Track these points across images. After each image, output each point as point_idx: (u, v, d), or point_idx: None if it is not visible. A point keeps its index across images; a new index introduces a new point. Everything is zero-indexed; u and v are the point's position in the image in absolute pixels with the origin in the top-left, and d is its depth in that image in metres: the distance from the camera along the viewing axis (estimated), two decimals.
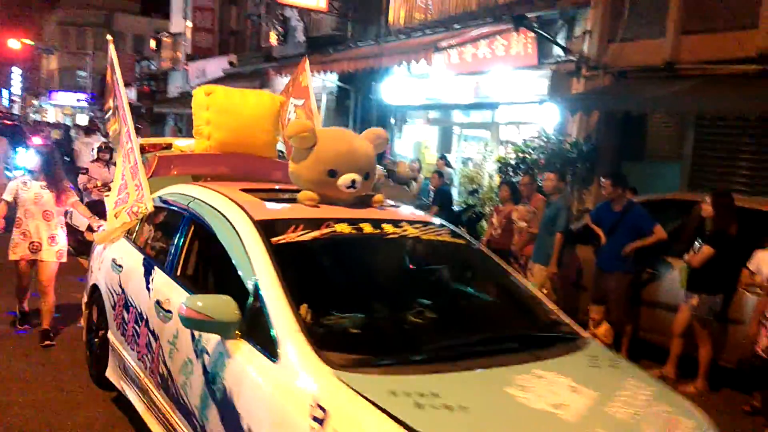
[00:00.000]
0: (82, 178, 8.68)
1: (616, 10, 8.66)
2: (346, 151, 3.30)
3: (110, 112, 4.45)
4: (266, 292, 2.54)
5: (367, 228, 3.09)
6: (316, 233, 2.93)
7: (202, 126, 4.46)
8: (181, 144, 4.91)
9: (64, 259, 5.45)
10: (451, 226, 3.62)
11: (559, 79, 9.16)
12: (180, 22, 24.60)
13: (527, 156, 8.83)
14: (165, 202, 3.85)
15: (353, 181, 3.24)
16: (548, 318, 3.06)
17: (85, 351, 4.69)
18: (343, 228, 3.02)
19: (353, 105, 14.34)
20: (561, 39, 9.44)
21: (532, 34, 9.46)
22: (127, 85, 31.89)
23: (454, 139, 12.48)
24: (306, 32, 15.97)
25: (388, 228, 3.15)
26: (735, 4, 7.42)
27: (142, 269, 3.68)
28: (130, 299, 3.71)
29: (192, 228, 3.44)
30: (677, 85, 7.38)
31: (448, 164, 10.39)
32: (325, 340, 2.40)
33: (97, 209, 6.11)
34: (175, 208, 3.71)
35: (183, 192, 3.75)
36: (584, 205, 8.46)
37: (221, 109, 4.46)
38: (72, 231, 7.28)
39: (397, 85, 12.55)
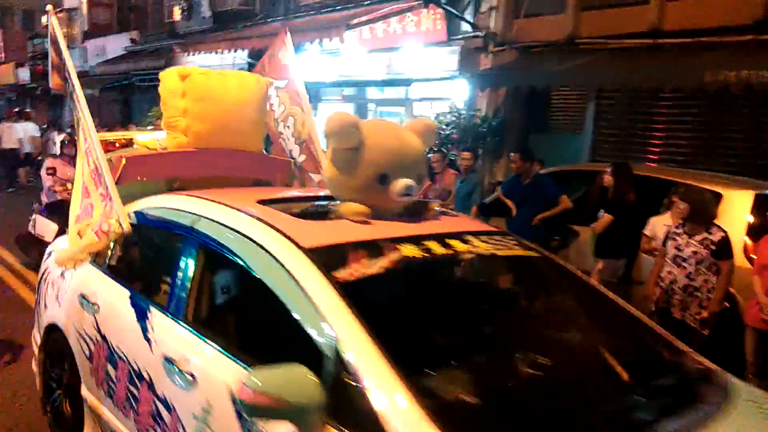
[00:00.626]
0: (47, 179, 7.36)
1: None
2: (398, 150, 2.65)
3: (69, 97, 3.60)
4: (353, 354, 1.87)
5: (436, 248, 2.42)
6: (384, 261, 2.24)
7: (177, 118, 3.78)
8: (143, 139, 4.16)
9: None
10: (513, 235, 3.00)
11: (468, 55, 9.36)
12: None
13: (441, 132, 9.01)
14: (149, 219, 3.05)
15: (409, 188, 2.58)
16: (674, 351, 2.46)
17: (45, 412, 3.59)
18: (412, 251, 2.35)
19: None
20: (469, 15, 9.63)
21: (441, 11, 9.59)
22: (19, 65, 29.67)
23: (369, 116, 12.53)
24: (212, 7, 15.43)
25: (456, 245, 2.49)
26: None
27: (131, 310, 2.80)
28: (118, 350, 2.83)
29: (203, 257, 2.63)
30: (578, 59, 7.73)
31: None
32: (449, 420, 1.73)
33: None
34: (171, 229, 2.88)
35: (179, 207, 2.89)
36: (495, 178, 8.76)
37: (199, 95, 3.77)
38: (36, 242, 6.39)
39: (310, 62, 12.40)
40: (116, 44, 19.87)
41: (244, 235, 2.44)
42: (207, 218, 2.67)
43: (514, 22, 8.97)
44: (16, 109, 18.48)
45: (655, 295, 4.51)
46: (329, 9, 11.86)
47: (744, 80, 6.05)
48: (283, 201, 2.89)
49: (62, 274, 3.48)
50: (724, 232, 4.29)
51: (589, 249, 5.61)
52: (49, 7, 4.01)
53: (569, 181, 6.38)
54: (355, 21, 9.92)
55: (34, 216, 5.10)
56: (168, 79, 3.86)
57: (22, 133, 14.84)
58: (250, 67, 13.96)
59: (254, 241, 2.37)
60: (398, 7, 10.02)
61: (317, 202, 2.91)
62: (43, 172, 7.44)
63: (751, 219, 5.03)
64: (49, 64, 3.92)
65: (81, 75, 16.70)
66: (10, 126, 14.89)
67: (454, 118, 9.01)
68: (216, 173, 3.71)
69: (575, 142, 8.57)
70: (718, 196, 4.99)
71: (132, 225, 2.81)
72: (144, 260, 3.32)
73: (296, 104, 4.33)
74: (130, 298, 2.88)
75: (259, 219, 2.50)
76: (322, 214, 2.68)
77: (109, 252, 3.23)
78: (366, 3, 10.81)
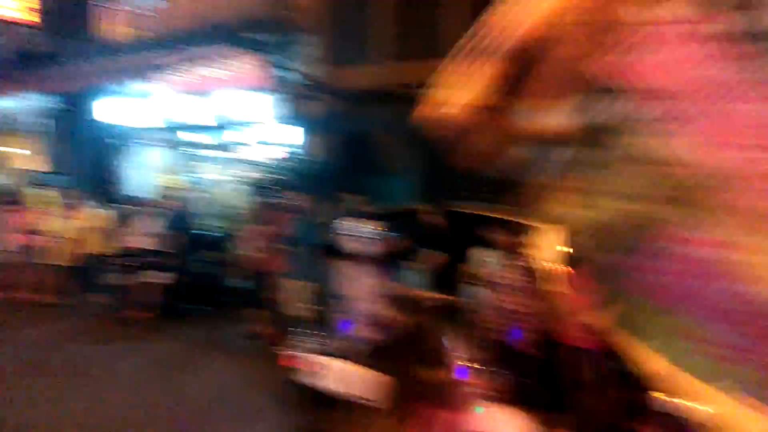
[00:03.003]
0: None
1: (338, 35, 9.41)
2: None
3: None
4: None
5: None
6: None
7: None
8: None
9: None
10: None
11: (296, 101, 9.62)
12: None
13: (273, 176, 9.13)
14: None
15: None
16: None
17: None
18: None
19: (76, 128, 13.09)
20: (291, 62, 9.90)
21: (261, 57, 9.76)
22: None
23: (193, 161, 12.21)
24: (10, 48, 14.06)
25: None
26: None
27: None
28: None
29: None
30: (394, 106, 8.32)
31: (190, 187, 10.21)
32: None
33: None
34: None
35: None
36: (326, 219, 9.02)
37: None
38: None
39: (123, 106, 11.85)
40: None
41: None
42: None
43: (334, 69, 9.41)
44: None
45: None
46: (139, 51, 11.44)
47: None
48: None
49: None
50: None
51: (419, 282, 6.03)
52: None
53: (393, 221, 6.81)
54: (163, 64, 9.68)
55: None
56: None
57: None
58: (57, 111, 13.02)
59: None
60: (214, 52, 9.98)
61: None
62: None
63: None
64: None
65: None
66: None
67: (289, 164, 9.19)
68: None
69: (397, 183, 9.10)
70: None
71: None
72: None
73: None
74: None
75: None
76: None
77: None
78: (180, 47, 10.60)
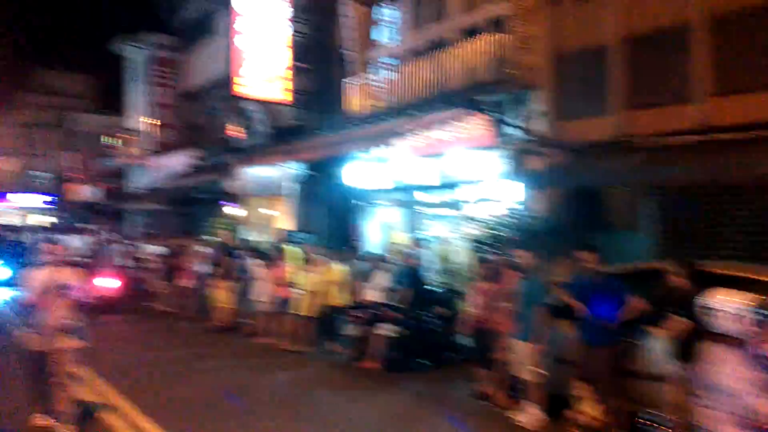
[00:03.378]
0: None
1: (564, 90, 9.24)
2: None
3: None
4: None
5: None
6: None
7: None
8: None
9: None
10: None
11: (518, 157, 9.60)
12: (135, 118, 24.87)
13: (498, 233, 9.11)
14: None
15: None
16: None
17: None
18: None
19: (321, 191, 14.60)
20: (515, 119, 9.95)
21: (487, 116, 9.96)
22: (89, 183, 31.56)
23: (421, 220, 12.76)
24: (270, 124, 16.39)
25: None
26: (671, 81, 8.03)
27: None
28: None
29: None
30: (629, 158, 7.84)
31: (420, 244, 10.61)
32: None
33: None
34: None
35: None
36: (557, 278, 8.69)
37: None
38: None
39: (361, 170, 12.90)
40: (179, 161, 21.12)
41: None
42: None
43: (561, 123, 9.22)
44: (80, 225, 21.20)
45: None
46: (378, 120, 12.44)
47: None
48: None
49: None
50: None
51: (664, 352, 5.43)
52: None
53: (634, 280, 6.28)
54: (403, 130, 10.40)
55: None
56: None
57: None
58: (308, 177, 14.65)
59: None
60: (444, 116, 10.47)
61: None
62: None
63: None
64: None
65: (148, 190, 17.99)
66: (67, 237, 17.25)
67: (510, 219, 9.11)
68: None
69: (632, 240, 8.49)
70: None
71: None
72: None
73: None
74: None
75: None
76: None
77: None
78: (413, 113, 11.32)
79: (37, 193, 42.91)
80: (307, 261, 10.51)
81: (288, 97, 15.12)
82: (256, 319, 11.10)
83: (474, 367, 7.53)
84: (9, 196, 47.41)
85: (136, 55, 25.03)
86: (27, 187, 45.59)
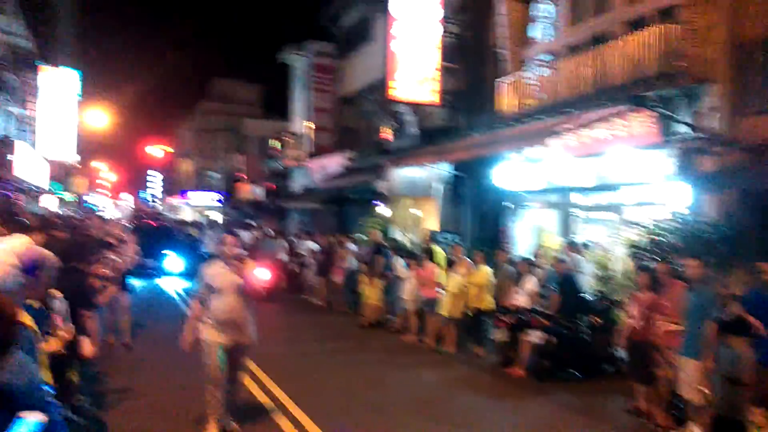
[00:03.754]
0: None
1: (743, 84, 8.29)
2: None
3: None
4: None
5: None
6: None
7: None
8: None
9: None
10: None
11: (687, 157, 8.77)
12: (300, 123, 26.38)
13: (662, 239, 8.38)
14: None
15: None
16: None
17: None
18: None
19: (468, 192, 14.47)
20: (684, 116, 9.11)
21: (653, 113, 9.22)
22: (255, 183, 34.19)
23: (576, 223, 12.15)
24: (419, 125, 16.57)
25: None
26: None
27: None
28: None
29: None
30: None
31: (575, 250, 10.09)
32: None
33: None
34: None
35: None
36: (730, 291, 7.81)
37: None
38: None
39: (512, 171, 12.56)
40: (335, 162, 22.07)
41: None
42: None
43: (740, 120, 8.28)
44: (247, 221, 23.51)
45: None
46: (531, 119, 12.04)
47: None
48: None
49: None
50: None
51: None
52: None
53: None
54: (559, 129, 9.94)
55: None
56: None
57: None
58: (454, 178, 14.64)
59: None
60: (605, 113, 9.85)
61: None
62: None
63: None
64: None
65: (306, 191, 19.00)
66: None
67: (676, 225, 8.35)
68: None
69: None
70: None
71: None
72: None
73: None
74: None
75: None
76: None
77: None
78: (570, 111, 10.80)
79: (210, 191, 47.25)
80: (453, 262, 10.43)
81: (438, 99, 15.16)
82: (403, 317, 11.24)
83: (630, 382, 7.00)
84: (188, 193, 52.66)
85: (299, 63, 26.57)
86: (201, 185, 50.40)
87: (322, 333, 11.43)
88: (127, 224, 20.11)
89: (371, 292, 12.15)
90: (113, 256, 8.24)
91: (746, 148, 8.12)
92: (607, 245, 10.70)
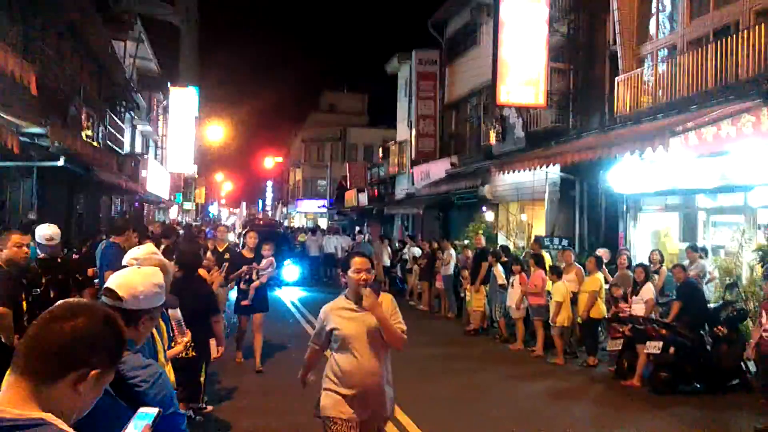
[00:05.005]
0: None
1: None
2: None
3: None
4: None
5: None
6: None
7: None
8: None
9: None
10: None
11: None
12: (405, 131, 26.57)
13: None
14: None
15: None
16: None
17: None
18: None
19: (578, 195, 13.89)
20: None
21: None
22: (360, 190, 35.08)
23: (699, 227, 11.30)
24: (525, 128, 16.15)
25: None
26: None
27: None
28: None
29: None
30: None
31: (700, 255, 9.39)
32: None
33: None
34: None
35: None
36: None
37: None
38: None
39: (628, 172, 11.90)
40: (438, 168, 22.00)
41: None
42: None
43: None
44: (357, 228, 25.16)
45: None
46: (649, 118, 11.36)
47: None
48: None
49: None
50: None
51: None
52: None
53: None
54: (680, 128, 9.29)
55: None
56: None
57: (336, 242, 21.70)
58: (563, 181, 14.11)
59: None
60: (731, 109, 9.09)
61: None
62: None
63: None
64: None
65: (408, 196, 19.17)
66: (329, 237, 22.47)
67: None
68: None
69: None
70: None
71: None
72: None
73: None
74: None
75: None
76: None
77: None
78: (691, 108, 10.08)
79: (318, 198, 48.73)
80: (562, 269, 10.01)
81: (546, 101, 14.69)
82: (510, 325, 10.93)
83: (760, 397, 6.38)
84: (298, 201, 54.63)
85: (404, 71, 26.82)
86: (310, 193, 52.08)
87: (427, 338, 11.33)
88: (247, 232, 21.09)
89: (475, 298, 11.93)
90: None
91: None
92: (736, 251, 9.85)
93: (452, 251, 14.10)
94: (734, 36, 9.71)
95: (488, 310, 11.83)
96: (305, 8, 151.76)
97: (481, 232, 16.26)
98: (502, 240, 16.69)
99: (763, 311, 6.49)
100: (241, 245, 11.68)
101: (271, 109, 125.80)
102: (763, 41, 9.01)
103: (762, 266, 8.17)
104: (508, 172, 14.76)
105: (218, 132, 42.42)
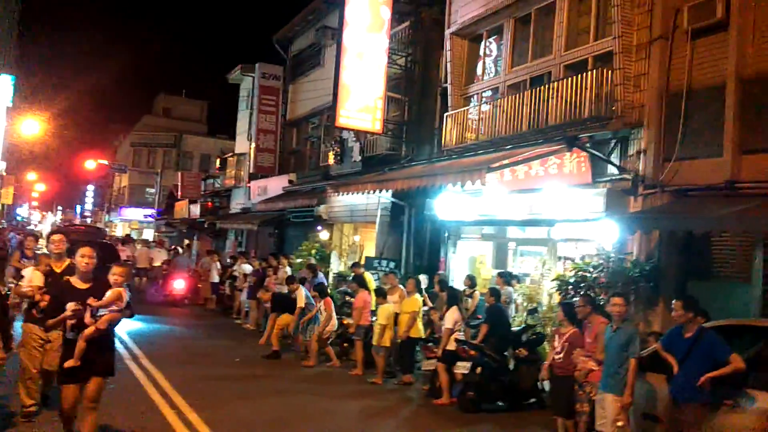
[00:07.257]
0: None
1: (670, 130, 8.68)
2: None
3: None
4: None
5: None
6: None
7: None
8: None
9: None
10: None
11: (615, 197, 9.09)
12: (244, 143, 26.04)
13: (587, 274, 8.61)
14: None
15: None
16: None
17: None
18: None
19: (407, 220, 14.55)
20: (615, 158, 9.47)
21: (585, 153, 9.54)
22: (192, 201, 33.40)
23: (509, 255, 12.37)
24: (362, 152, 16.62)
25: None
26: None
27: None
28: None
29: None
30: (740, 204, 7.19)
31: (508, 282, 10.22)
32: None
33: None
34: None
35: None
36: (650, 328, 8.07)
37: None
38: None
39: (450, 202, 12.72)
40: (276, 184, 21.82)
41: None
42: None
43: (665, 164, 8.66)
44: (186, 242, 24.19)
45: None
46: (471, 153, 12.27)
47: None
48: None
49: None
50: None
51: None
52: None
53: (738, 337, 5.69)
54: (497, 164, 10.14)
55: None
56: None
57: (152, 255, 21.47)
58: (394, 206, 14.71)
59: None
60: (540, 151, 10.12)
61: None
62: None
63: None
64: None
65: (244, 211, 18.68)
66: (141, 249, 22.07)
67: (601, 261, 8.60)
68: None
69: (741, 292, 7.75)
70: None
71: None
72: None
73: None
74: None
75: None
76: None
77: None
78: (507, 147, 11.06)
79: (145, 207, 45.86)
80: (385, 290, 10.39)
81: (384, 128, 15.27)
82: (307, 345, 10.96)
83: (552, 415, 7.07)
84: (123, 210, 50.96)
85: (248, 84, 26.38)
86: (137, 201, 48.88)
87: (248, 358, 11.07)
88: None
89: (287, 319, 11.81)
90: None
91: (670, 191, 8.48)
92: (539, 279, 10.91)
93: (288, 269, 14.00)
94: (546, 86, 10.83)
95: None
96: (149, 4, 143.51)
97: (314, 251, 16.37)
98: (334, 259, 16.94)
99: (556, 335, 7.22)
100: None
101: (98, 107, 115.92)
102: (569, 93, 10.12)
103: (559, 294, 9.07)
104: (344, 194, 15.07)
105: (34, 126, 38.36)
